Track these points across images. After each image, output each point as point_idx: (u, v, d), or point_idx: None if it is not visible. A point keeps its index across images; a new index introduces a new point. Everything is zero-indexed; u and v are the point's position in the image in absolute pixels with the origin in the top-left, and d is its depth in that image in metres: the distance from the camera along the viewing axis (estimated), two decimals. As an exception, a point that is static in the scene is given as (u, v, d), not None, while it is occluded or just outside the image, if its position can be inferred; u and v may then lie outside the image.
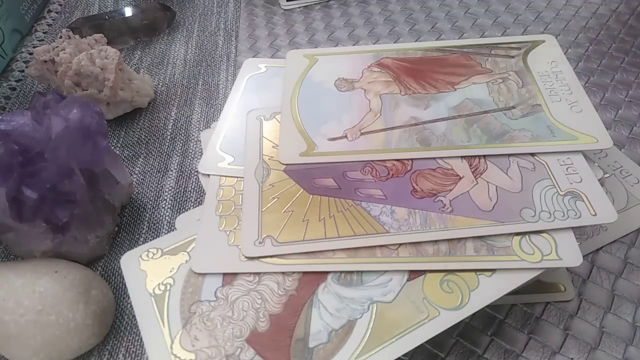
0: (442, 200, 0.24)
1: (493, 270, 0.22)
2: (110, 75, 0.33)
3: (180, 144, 0.34)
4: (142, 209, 0.31)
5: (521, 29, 0.42)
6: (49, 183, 0.24)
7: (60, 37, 0.35)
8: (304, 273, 0.22)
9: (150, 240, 0.27)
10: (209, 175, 0.26)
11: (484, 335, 0.25)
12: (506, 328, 0.25)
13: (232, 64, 0.40)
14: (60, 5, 0.47)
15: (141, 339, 0.25)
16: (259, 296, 0.22)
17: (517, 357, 0.24)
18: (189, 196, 0.31)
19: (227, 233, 0.24)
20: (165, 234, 0.28)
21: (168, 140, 0.35)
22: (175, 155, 0.34)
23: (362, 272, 0.22)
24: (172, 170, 0.33)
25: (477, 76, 0.29)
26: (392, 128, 0.27)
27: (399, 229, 0.23)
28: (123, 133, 0.35)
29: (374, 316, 0.21)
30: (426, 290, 0.21)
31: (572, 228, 0.23)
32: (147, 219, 0.30)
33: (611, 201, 0.24)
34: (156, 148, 0.34)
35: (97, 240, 0.28)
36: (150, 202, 0.31)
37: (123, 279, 0.24)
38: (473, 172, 0.25)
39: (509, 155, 0.25)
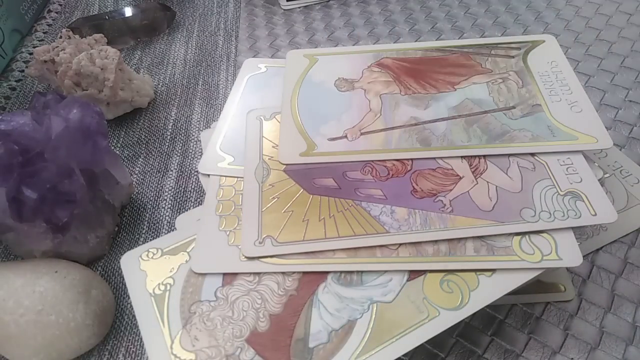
0: (442, 200, 0.24)
1: (493, 270, 0.22)
2: (110, 75, 0.33)
3: (180, 144, 0.34)
4: (142, 209, 0.31)
5: (521, 29, 0.42)
6: (49, 183, 0.24)
7: (60, 37, 0.35)
8: (304, 273, 0.22)
9: (150, 240, 0.27)
10: (209, 175, 0.26)
11: (484, 335, 0.25)
12: (506, 328, 0.25)
13: (232, 64, 0.40)
14: (60, 5, 0.47)
15: (141, 339, 0.25)
16: (259, 296, 0.22)
17: (517, 357, 0.24)
18: (189, 196, 0.31)
19: (227, 233, 0.24)
20: (165, 234, 0.28)
21: (168, 140, 0.35)
22: (175, 155, 0.34)
23: (362, 272, 0.22)
24: (172, 170, 0.33)
25: (477, 76, 0.29)
26: (392, 128, 0.27)
27: (399, 229, 0.23)
28: (123, 133, 0.35)
29: (374, 316, 0.21)
30: (426, 290, 0.21)
31: (572, 228, 0.23)
32: (147, 219, 0.30)
33: (611, 201, 0.24)
34: (156, 148, 0.34)
35: (97, 240, 0.28)
36: (150, 202, 0.31)
37: (123, 279, 0.24)
38: (473, 172, 0.25)
39: (509, 155, 0.25)
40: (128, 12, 0.41)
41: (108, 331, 0.25)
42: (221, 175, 0.26)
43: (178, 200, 0.31)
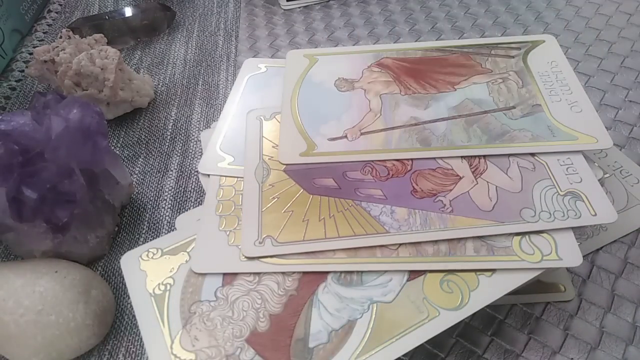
0: (442, 200, 0.24)
1: (493, 270, 0.22)
2: (110, 75, 0.33)
3: (180, 144, 0.34)
4: (142, 209, 0.31)
5: (521, 29, 0.42)
6: (49, 183, 0.24)
7: (60, 37, 0.35)
8: (304, 273, 0.22)
9: (150, 240, 0.27)
10: (209, 175, 0.26)
11: (484, 335, 0.25)
12: (506, 328, 0.25)
13: (232, 64, 0.40)
14: (60, 5, 0.47)
15: (141, 339, 0.25)
16: (259, 296, 0.22)
17: (517, 357, 0.24)
18: (189, 196, 0.31)
19: (227, 233, 0.24)
20: (165, 234, 0.28)
21: (168, 140, 0.35)
22: (175, 155, 0.34)
23: (362, 272, 0.22)
24: (172, 170, 0.33)
25: (477, 76, 0.29)
26: (392, 128, 0.27)
27: (399, 229, 0.23)
28: (123, 133, 0.35)
29: (374, 316, 0.21)
30: (426, 290, 0.21)
31: (572, 228, 0.23)
32: (147, 219, 0.30)
33: (611, 201, 0.24)
34: (156, 148, 0.34)
35: (97, 240, 0.28)
36: (150, 202, 0.31)
37: (123, 279, 0.24)
38: (473, 172, 0.25)
39: (509, 155, 0.25)
40: (128, 12, 0.41)
41: (108, 331, 0.25)
42: (221, 175, 0.26)
43: (178, 200, 0.31)
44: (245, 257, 0.23)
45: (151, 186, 0.32)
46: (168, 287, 0.22)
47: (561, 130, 0.26)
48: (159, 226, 0.30)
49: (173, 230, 0.26)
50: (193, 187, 0.32)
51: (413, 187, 0.25)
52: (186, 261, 0.23)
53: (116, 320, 0.26)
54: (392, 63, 0.31)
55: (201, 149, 0.33)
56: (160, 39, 0.43)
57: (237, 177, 0.26)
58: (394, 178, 0.25)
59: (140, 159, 0.34)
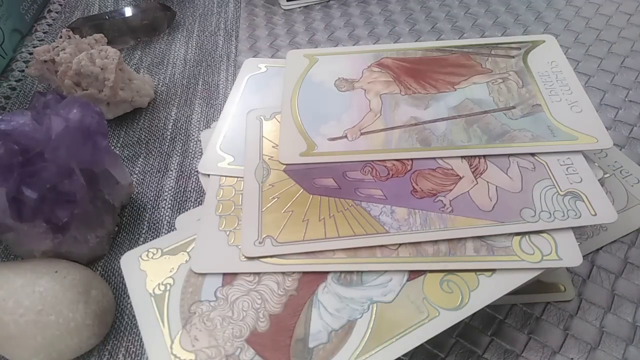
0: (442, 200, 0.24)
1: (493, 270, 0.22)
2: (110, 75, 0.33)
3: (180, 144, 0.34)
4: (142, 209, 0.31)
5: (521, 29, 0.42)
6: (49, 183, 0.24)
7: (60, 37, 0.35)
8: (304, 273, 0.22)
9: (150, 240, 0.27)
10: (209, 175, 0.26)
11: (484, 335, 0.25)
12: (506, 328, 0.25)
13: (232, 64, 0.40)
14: (60, 5, 0.47)
15: (141, 339, 0.25)
16: (259, 296, 0.22)
17: (517, 357, 0.24)
18: (189, 196, 0.31)
19: (227, 233, 0.24)
20: (165, 234, 0.28)
21: (168, 140, 0.35)
22: (175, 155, 0.34)
23: (362, 272, 0.22)
24: (172, 170, 0.33)
25: (477, 76, 0.29)
26: (392, 128, 0.27)
27: (399, 229, 0.23)
28: (123, 133, 0.35)
29: (374, 316, 0.21)
30: (426, 290, 0.21)
31: (572, 228, 0.23)
32: (147, 219, 0.30)
33: (611, 201, 0.24)
34: (156, 148, 0.34)
35: (97, 240, 0.28)
36: (150, 202, 0.31)
37: (123, 279, 0.24)
38: (473, 172, 0.25)
39: (509, 155, 0.25)
40: (128, 12, 0.41)
41: (108, 331, 0.25)
42: (221, 175, 0.26)
43: (178, 200, 0.31)
44: (245, 257, 0.23)
45: (151, 186, 0.32)
46: (168, 287, 0.22)
47: (561, 130, 0.26)
48: (159, 226, 0.30)
49: (173, 230, 0.26)
50: (193, 187, 0.32)
51: (413, 187, 0.25)
52: (186, 261, 0.23)
53: (116, 320, 0.26)
54: (392, 63, 0.31)
55: (201, 149, 0.33)
56: (160, 39, 0.43)
57: (237, 177, 0.26)
58: (394, 178, 0.25)
59: (140, 159, 0.34)
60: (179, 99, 0.37)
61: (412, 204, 0.24)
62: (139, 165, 0.33)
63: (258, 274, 0.22)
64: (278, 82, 0.31)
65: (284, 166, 0.26)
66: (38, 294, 0.23)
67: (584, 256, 0.22)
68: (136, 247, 0.24)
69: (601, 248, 0.28)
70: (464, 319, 0.21)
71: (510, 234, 0.23)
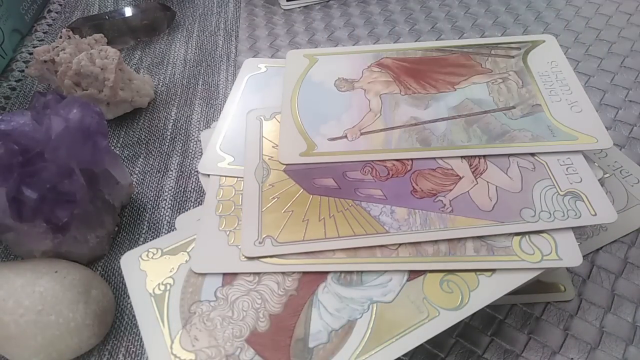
0: (442, 200, 0.24)
1: (493, 270, 0.22)
2: (110, 75, 0.33)
3: (180, 144, 0.34)
4: (142, 209, 0.31)
5: (521, 29, 0.41)
6: (49, 183, 0.24)
7: (60, 37, 0.35)
8: (304, 273, 0.22)
9: (150, 240, 0.27)
10: (209, 175, 0.26)
11: (484, 335, 0.25)
12: (506, 328, 0.25)
13: (232, 64, 0.40)
14: (60, 5, 0.47)
15: (141, 339, 0.25)
16: (259, 296, 0.22)
17: (517, 357, 0.24)
18: (189, 196, 0.31)
19: (227, 233, 0.24)
20: (165, 234, 0.28)
21: (168, 140, 0.35)
22: (175, 155, 0.34)
23: (362, 272, 0.22)
24: (172, 170, 0.33)
25: (477, 76, 0.29)
26: (392, 128, 0.27)
27: (399, 229, 0.23)
28: (123, 133, 0.35)
29: (373, 316, 0.21)
30: (426, 290, 0.21)
31: (572, 228, 0.23)
32: (147, 219, 0.30)
33: (611, 201, 0.24)
34: (156, 148, 0.34)
35: (97, 240, 0.28)
36: (150, 202, 0.31)
37: (123, 279, 0.24)
38: (473, 172, 0.25)
39: (509, 155, 0.25)
40: (128, 12, 0.41)
41: (108, 331, 0.25)
42: (221, 175, 0.26)
43: (178, 200, 0.31)
44: (245, 257, 0.23)
45: (151, 186, 0.32)
46: (168, 287, 0.22)
47: (561, 130, 0.26)
48: (159, 226, 0.30)
49: (173, 230, 0.26)
50: (193, 187, 0.32)
51: (413, 187, 0.25)
52: (186, 261, 0.23)
53: (116, 320, 0.26)
54: (392, 63, 0.31)
55: (201, 149, 0.33)
56: (160, 39, 0.43)
57: (237, 177, 0.26)
58: (394, 178, 0.25)
59: (140, 159, 0.34)
60: (179, 99, 0.37)
61: (412, 204, 0.24)
62: (139, 165, 0.33)
63: (258, 274, 0.22)
64: (278, 82, 0.31)
65: (284, 166, 0.26)
66: (38, 294, 0.23)
67: (584, 256, 0.22)
68: (136, 247, 0.24)
69: (601, 248, 0.28)
70: (464, 319, 0.21)
71: (510, 234, 0.23)
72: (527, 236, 0.22)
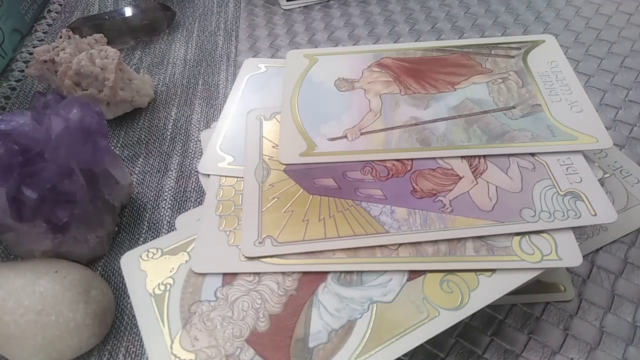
0: (442, 200, 0.24)
1: (493, 270, 0.22)
2: (110, 75, 0.33)
3: (180, 144, 0.34)
4: (142, 209, 0.31)
5: (521, 29, 0.41)
6: (49, 183, 0.24)
7: (60, 37, 0.35)
8: (304, 273, 0.22)
9: (150, 240, 0.27)
10: (209, 175, 0.26)
11: (484, 335, 0.25)
12: (506, 328, 0.25)
13: (232, 64, 0.40)
14: (60, 5, 0.47)
15: (141, 339, 0.25)
16: (259, 296, 0.22)
17: (517, 357, 0.24)
18: (189, 196, 0.31)
19: (227, 233, 0.24)
20: (165, 234, 0.28)
21: (168, 140, 0.35)
22: (175, 155, 0.34)
23: (362, 272, 0.22)
24: (172, 170, 0.33)
25: (477, 76, 0.29)
26: (392, 128, 0.27)
27: (399, 229, 0.23)
28: (123, 133, 0.35)
29: (373, 316, 0.21)
30: (426, 290, 0.21)
31: (572, 228, 0.23)
32: (147, 219, 0.30)
33: (611, 201, 0.24)
34: (156, 148, 0.34)
35: (97, 240, 0.28)
36: (150, 202, 0.31)
37: (123, 279, 0.24)
38: (473, 172, 0.25)
39: (509, 155, 0.25)
40: (128, 12, 0.41)
41: (108, 331, 0.25)
42: (221, 175, 0.26)
43: (178, 200, 0.31)
44: (245, 257, 0.23)
45: (151, 186, 0.32)
46: (168, 287, 0.22)
47: (561, 130, 0.26)
48: (159, 226, 0.30)
49: (173, 230, 0.26)
50: (193, 187, 0.32)
51: (413, 187, 0.25)
52: (186, 261, 0.23)
53: (116, 320, 0.26)
54: (392, 63, 0.31)
55: (201, 149, 0.33)
56: (160, 39, 0.43)
57: (237, 177, 0.26)
58: (394, 178, 0.25)
59: (140, 159, 0.34)
60: (179, 99, 0.37)
61: (412, 204, 0.24)
62: (139, 165, 0.33)
63: (258, 274, 0.22)
64: (278, 82, 0.31)
65: (284, 166, 0.26)
66: (38, 294, 0.23)
67: (584, 256, 0.22)
68: (136, 247, 0.24)
69: (601, 248, 0.28)
70: (464, 319, 0.21)
71: (510, 234, 0.23)
72: (527, 236, 0.22)
